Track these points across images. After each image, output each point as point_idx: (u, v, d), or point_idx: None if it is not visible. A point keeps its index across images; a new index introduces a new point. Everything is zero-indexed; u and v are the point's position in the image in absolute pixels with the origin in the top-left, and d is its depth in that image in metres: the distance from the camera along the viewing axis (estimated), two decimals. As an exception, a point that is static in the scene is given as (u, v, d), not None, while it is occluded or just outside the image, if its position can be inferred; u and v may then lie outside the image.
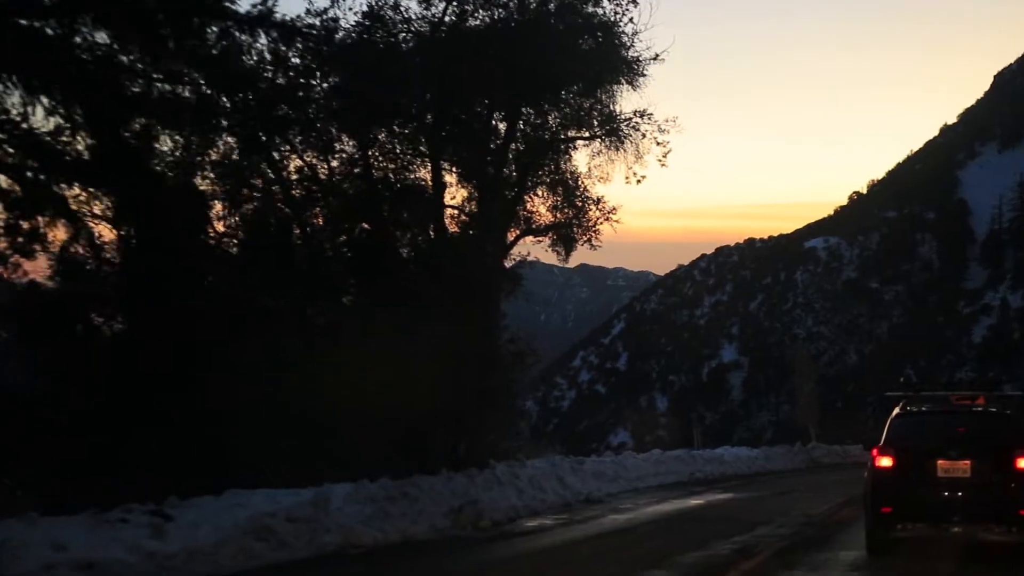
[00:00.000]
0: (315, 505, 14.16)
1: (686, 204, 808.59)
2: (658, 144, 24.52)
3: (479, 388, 21.30)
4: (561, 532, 16.82)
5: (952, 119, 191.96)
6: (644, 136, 24.41)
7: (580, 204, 25.24)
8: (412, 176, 22.89)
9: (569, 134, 24.86)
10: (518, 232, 25.27)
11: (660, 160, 24.57)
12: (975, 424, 14.57)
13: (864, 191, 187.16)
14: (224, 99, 17.31)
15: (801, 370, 69.56)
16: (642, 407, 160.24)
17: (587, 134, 24.77)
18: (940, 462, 13.71)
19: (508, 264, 25.88)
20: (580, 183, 25.14)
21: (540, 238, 25.70)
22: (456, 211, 24.41)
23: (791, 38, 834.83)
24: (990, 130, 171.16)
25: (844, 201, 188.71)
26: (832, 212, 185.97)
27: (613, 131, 24.28)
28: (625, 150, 24.49)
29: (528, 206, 25.30)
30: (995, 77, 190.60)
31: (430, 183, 22.91)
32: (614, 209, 25.60)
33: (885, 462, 14.02)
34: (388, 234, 21.01)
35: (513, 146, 24.20)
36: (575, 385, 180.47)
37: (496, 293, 23.86)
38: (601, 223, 25.51)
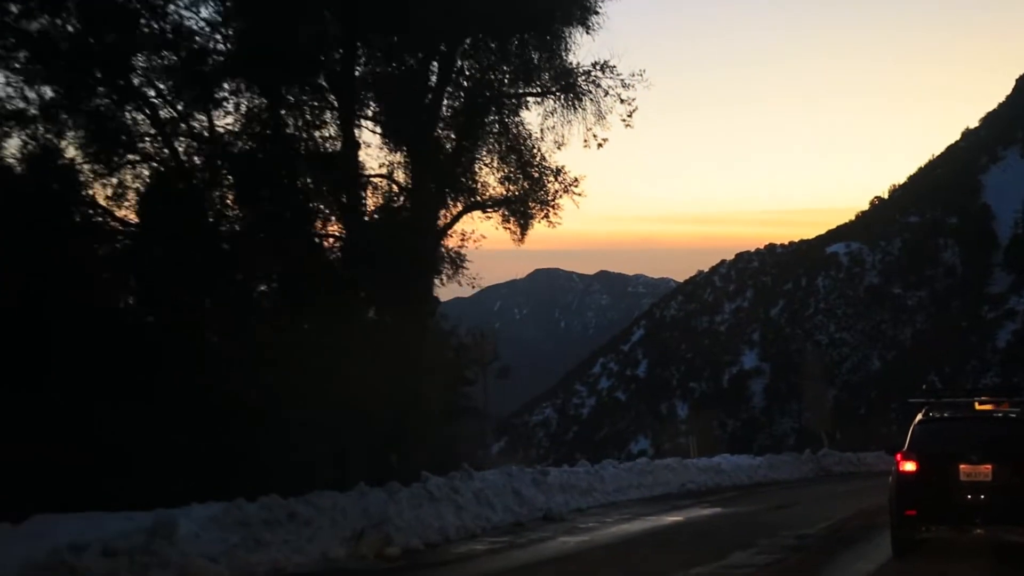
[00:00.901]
0: (153, 534, 10.97)
1: (707, 210, 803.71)
2: (622, 102, 20.94)
3: (415, 388, 18.04)
4: (487, 561, 13.65)
5: (974, 123, 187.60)
6: (606, 93, 20.82)
7: (537, 175, 21.56)
8: (323, 136, 19.33)
9: (517, 89, 21.17)
10: (461, 206, 21.64)
11: (624, 120, 21.10)
12: (997, 429, 14.66)
13: (886, 196, 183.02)
14: (93, 40, 14.18)
15: (811, 373, 65.82)
16: (662, 414, 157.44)
17: (539, 89, 21.03)
18: (962, 466, 13.78)
19: (450, 244, 22.47)
20: (536, 150, 21.53)
21: (489, 213, 21.95)
22: (384, 181, 20.89)
23: (810, 43, 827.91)
24: (1012, 134, 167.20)
25: (866, 206, 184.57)
26: (854, 217, 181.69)
27: (569, 86, 20.60)
28: (584, 108, 20.86)
29: (476, 177, 21.70)
30: (1017, 81, 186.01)
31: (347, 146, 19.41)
32: (576, 180, 22.00)
33: (908, 467, 14.17)
34: (302, 207, 17.46)
35: (447, 103, 20.69)
36: (595, 392, 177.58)
37: (432, 278, 20.48)
38: (561, 196, 21.92)
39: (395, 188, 20.96)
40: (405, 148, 20.22)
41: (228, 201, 17.26)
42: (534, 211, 21.87)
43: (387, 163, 20.88)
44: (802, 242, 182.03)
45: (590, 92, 20.79)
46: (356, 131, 19.65)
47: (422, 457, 19.78)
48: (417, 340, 18.95)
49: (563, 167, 21.91)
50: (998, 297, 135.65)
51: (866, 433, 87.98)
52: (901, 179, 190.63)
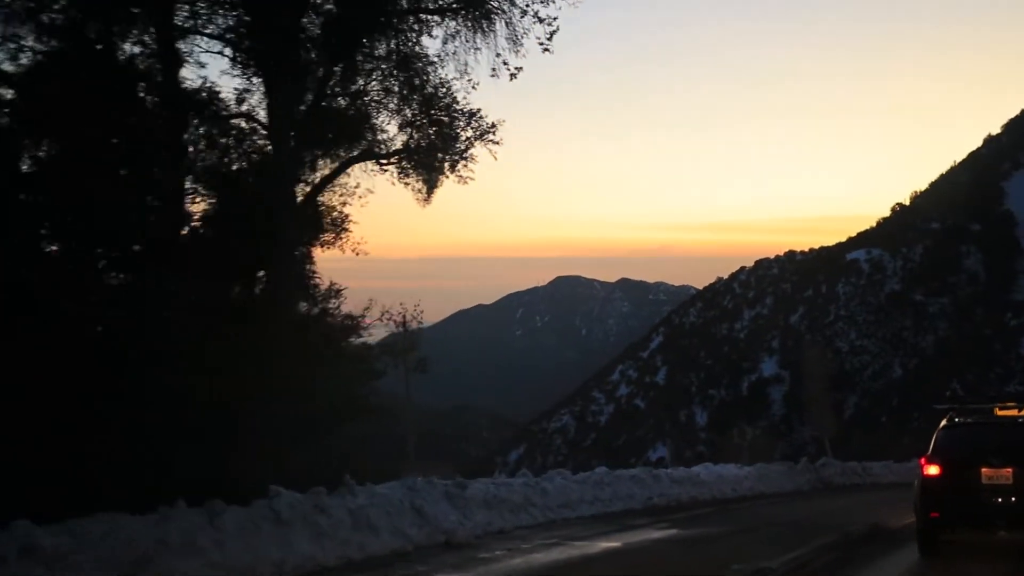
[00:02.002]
0: None
1: (729, 218, 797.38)
2: (540, 21, 17.00)
3: (262, 380, 14.27)
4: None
5: (996, 129, 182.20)
6: (523, 12, 16.88)
7: (446, 119, 17.70)
8: (131, 47, 15.08)
9: (414, 5, 17.04)
10: (346, 156, 17.85)
11: (543, 43, 17.11)
12: (1018, 434, 14.59)
13: (908, 203, 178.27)
14: None
15: (811, 371, 61.14)
16: (681, 422, 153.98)
17: (437, 4, 17.02)
18: (984, 470, 13.96)
19: (330, 201, 18.84)
20: (444, 89, 17.55)
21: (384, 166, 18.09)
22: (238, 118, 16.86)
23: (833, 51, 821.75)
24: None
25: (887, 213, 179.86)
26: (875, 224, 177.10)
27: (477, 2, 16.60)
28: (494, 31, 16.79)
29: (369, 120, 17.85)
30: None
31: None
32: (493, 126, 18.00)
33: (932, 470, 14.40)
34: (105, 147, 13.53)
35: (317, 19, 16.41)
36: (613, 399, 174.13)
37: (295, 243, 16.61)
38: (474, 146, 17.99)
39: (251, 127, 17.00)
40: (260, 74, 16.12)
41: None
42: (442, 163, 17.98)
43: (239, 91, 16.89)
44: (822, 249, 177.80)
45: (502, 11, 16.80)
46: (182, 45, 15.69)
47: (296, 466, 16.17)
48: (272, 319, 15.13)
49: (478, 110, 18.04)
50: (1021, 304, 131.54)
51: (874, 441, 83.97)
52: (923, 186, 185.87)
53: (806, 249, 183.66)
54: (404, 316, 25.25)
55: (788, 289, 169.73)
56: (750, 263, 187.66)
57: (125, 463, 12.01)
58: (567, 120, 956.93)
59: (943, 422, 15.09)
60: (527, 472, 22.26)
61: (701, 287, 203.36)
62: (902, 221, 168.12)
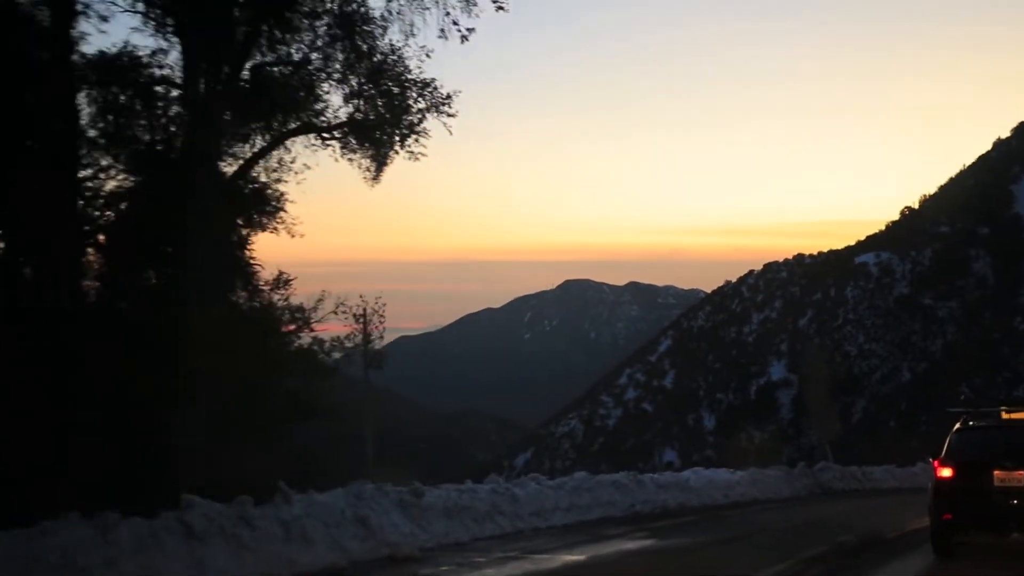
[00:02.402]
0: None
1: (738, 221, 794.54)
2: None
3: (181, 378, 12.86)
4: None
5: (1006, 132, 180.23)
6: None
7: (396, 89, 16.17)
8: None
9: None
10: (282, 129, 16.26)
11: (497, 1, 15.65)
12: None
13: (916, 206, 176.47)
14: None
15: (812, 373, 59.47)
16: (689, 425, 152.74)
17: None
18: (996, 472, 13.93)
19: (264, 178, 17.20)
20: (394, 55, 15.99)
21: (327, 140, 16.57)
22: (151, 83, 15.17)
23: (841, 54, 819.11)
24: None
25: (896, 217, 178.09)
26: (884, 228, 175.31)
27: None
28: None
29: (311, 89, 16.24)
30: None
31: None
32: (449, 97, 16.56)
33: (945, 473, 14.43)
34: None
35: None
36: (621, 403, 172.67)
37: (224, 223, 15.11)
38: (426, 119, 16.50)
39: (166, 92, 15.34)
40: (178, 33, 14.39)
41: None
42: (391, 138, 16.41)
43: (152, 52, 15.16)
44: (831, 252, 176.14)
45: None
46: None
47: (232, 473, 14.61)
48: (194, 308, 13.63)
49: (432, 80, 16.59)
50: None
51: (879, 445, 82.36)
52: (932, 189, 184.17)
53: (815, 252, 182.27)
54: (365, 310, 23.42)
55: (797, 292, 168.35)
56: (759, 267, 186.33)
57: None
58: (576, 122, 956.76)
59: (957, 425, 15.15)
60: (538, 477, 20.95)
61: (710, 291, 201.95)
62: (911, 225, 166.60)
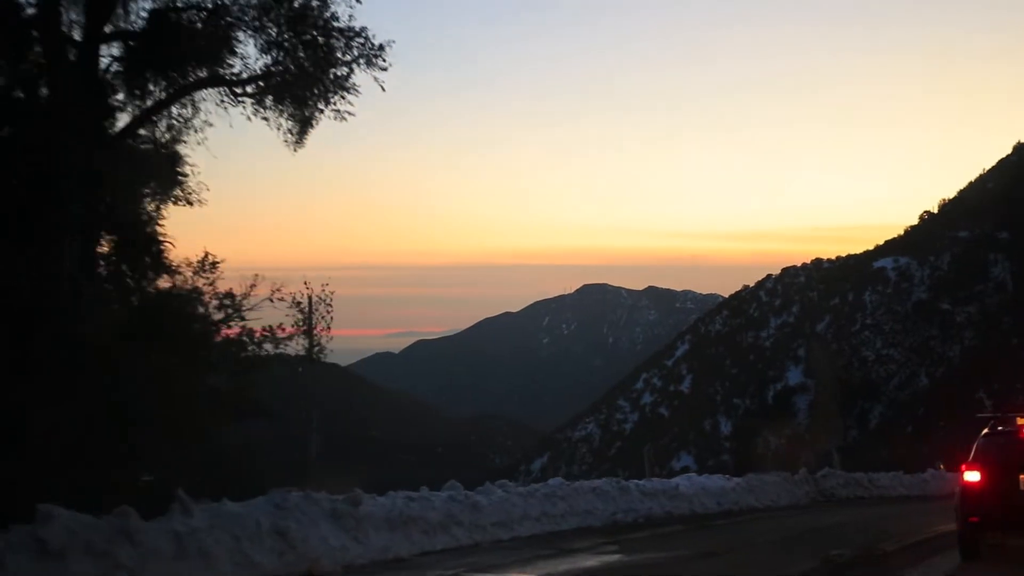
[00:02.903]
0: None
1: (756, 226, 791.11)
2: None
3: (58, 370, 11.97)
4: None
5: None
6: None
7: (321, 39, 14.56)
8: None
9: None
10: (184, 81, 14.43)
11: None
12: None
13: (935, 210, 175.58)
14: None
15: (820, 369, 58.68)
16: (706, 430, 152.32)
17: None
18: (1023, 476, 14.24)
19: (160, 138, 15.28)
20: (318, 2, 14.47)
21: (240, 96, 14.84)
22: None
23: (858, 58, 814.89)
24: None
25: (915, 221, 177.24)
26: (903, 232, 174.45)
27: None
28: None
29: (220, 39, 14.25)
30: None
31: None
32: (382, 48, 15.03)
33: (972, 476, 14.76)
34: None
35: None
36: (638, 408, 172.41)
37: (114, 190, 13.66)
38: (355, 73, 14.96)
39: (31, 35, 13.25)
40: None
41: None
42: (316, 95, 14.83)
43: None
44: (849, 257, 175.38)
45: None
46: None
47: (123, 479, 13.43)
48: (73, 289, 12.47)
49: (363, 28, 14.92)
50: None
51: (895, 450, 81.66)
52: (951, 193, 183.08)
53: (833, 257, 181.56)
54: (310, 297, 19.75)
55: (814, 297, 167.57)
56: (778, 271, 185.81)
57: None
58: (595, 126, 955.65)
59: (985, 430, 15.47)
60: (506, 483, 19.41)
61: (728, 295, 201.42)
62: (930, 229, 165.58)
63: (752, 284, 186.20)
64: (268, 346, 16.35)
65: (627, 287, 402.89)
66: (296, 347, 18.70)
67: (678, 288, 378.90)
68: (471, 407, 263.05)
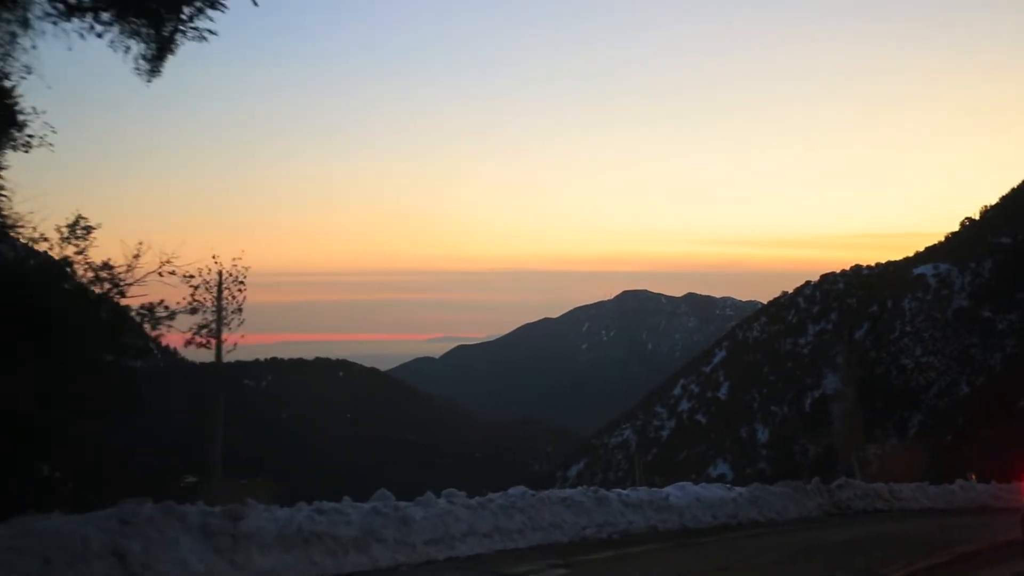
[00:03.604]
0: None
1: (797, 233, 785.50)
2: None
3: None
4: None
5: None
6: None
7: None
8: None
9: None
10: None
11: None
12: None
13: (977, 217, 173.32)
14: None
15: (845, 375, 57.22)
16: (743, 438, 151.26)
17: None
18: None
19: None
20: None
21: (75, 10, 11.03)
22: None
23: (900, 63, 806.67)
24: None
25: (956, 228, 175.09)
26: (943, 239, 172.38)
27: None
28: None
29: None
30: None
31: None
32: None
33: None
34: None
35: None
36: (675, 414, 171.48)
37: None
38: None
39: None
40: None
41: None
42: (172, 10, 11.57)
43: None
44: (889, 263, 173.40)
45: None
46: None
47: None
48: None
49: None
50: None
51: (934, 460, 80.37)
52: (993, 199, 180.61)
53: (873, 263, 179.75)
54: (220, 273, 15.71)
55: (853, 304, 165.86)
56: (817, 278, 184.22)
57: None
58: (637, 134, 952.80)
59: None
60: (454, 493, 17.10)
61: (767, 302, 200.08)
62: (971, 235, 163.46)
63: (791, 291, 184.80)
64: (148, 324, 14.10)
65: (667, 294, 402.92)
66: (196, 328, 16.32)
67: (718, 295, 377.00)
68: (510, 412, 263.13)
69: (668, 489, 22.33)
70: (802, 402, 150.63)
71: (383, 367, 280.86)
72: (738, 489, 24.50)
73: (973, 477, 37.40)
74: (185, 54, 12.26)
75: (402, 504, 15.43)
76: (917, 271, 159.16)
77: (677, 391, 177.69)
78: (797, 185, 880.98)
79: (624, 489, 21.38)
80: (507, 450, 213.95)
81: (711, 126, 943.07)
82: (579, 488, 19.84)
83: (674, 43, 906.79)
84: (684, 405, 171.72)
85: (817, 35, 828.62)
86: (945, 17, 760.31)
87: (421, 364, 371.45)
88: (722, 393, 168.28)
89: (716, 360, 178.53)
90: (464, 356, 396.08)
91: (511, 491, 17.99)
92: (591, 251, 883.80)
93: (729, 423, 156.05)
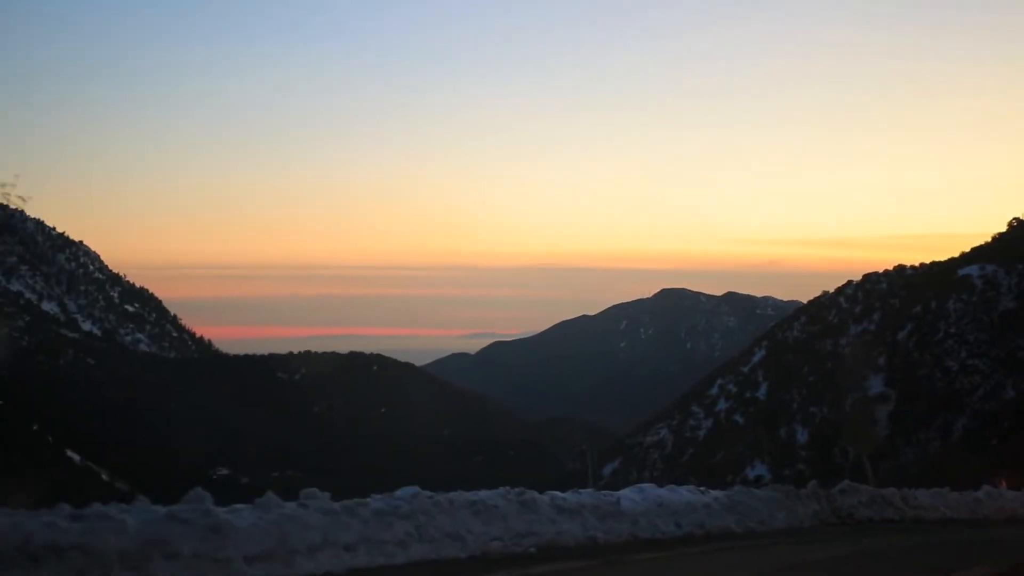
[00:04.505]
0: None
1: (840, 233, 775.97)
2: None
3: None
4: None
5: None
6: None
7: None
8: None
9: None
10: None
11: None
12: None
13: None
14: None
15: (855, 366, 53.49)
16: (781, 439, 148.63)
17: None
18: None
19: None
20: None
21: None
22: None
23: (941, 60, 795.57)
24: None
25: (1003, 228, 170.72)
26: (990, 239, 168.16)
27: None
28: None
29: None
30: None
31: None
32: None
33: None
34: None
35: None
36: (712, 414, 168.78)
37: None
38: None
39: None
40: None
41: None
42: None
43: None
44: (933, 264, 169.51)
45: None
46: None
47: None
48: None
49: None
50: None
51: (984, 463, 77.42)
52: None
53: (917, 264, 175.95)
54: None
55: (896, 304, 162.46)
56: (859, 278, 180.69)
57: None
58: (674, 130, 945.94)
59: None
60: (314, 492, 13.99)
61: (807, 302, 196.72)
62: (1018, 236, 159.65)
63: (832, 290, 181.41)
64: None
65: (706, 292, 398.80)
66: None
67: (758, 294, 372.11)
68: (546, 410, 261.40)
69: (624, 491, 19.30)
70: (843, 404, 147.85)
71: (418, 362, 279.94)
72: (715, 493, 21.23)
73: (1003, 483, 34.23)
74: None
75: (219, 509, 12.14)
76: (962, 272, 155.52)
77: (714, 390, 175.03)
78: (842, 185, 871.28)
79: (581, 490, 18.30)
80: (542, 447, 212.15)
81: (753, 126, 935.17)
82: (500, 489, 16.48)
83: (718, 45, 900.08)
84: (722, 405, 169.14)
85: (858, 30, 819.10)
86: (986, 12, 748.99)
87: (457, 360, 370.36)
88: (761, 393, 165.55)
89: (755, 359, 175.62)
90: (500, 352, 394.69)
91: (399, 492, 15.01)
92: (630, 248, 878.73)
93: (767, 423, 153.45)
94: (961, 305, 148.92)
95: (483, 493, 16.05)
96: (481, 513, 15.35)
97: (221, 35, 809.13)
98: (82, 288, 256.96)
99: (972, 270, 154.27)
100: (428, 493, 15.28)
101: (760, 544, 18.57)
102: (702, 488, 21.12)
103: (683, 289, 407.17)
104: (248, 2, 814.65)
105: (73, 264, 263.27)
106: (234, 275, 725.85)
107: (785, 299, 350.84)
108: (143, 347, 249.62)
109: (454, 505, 15.15)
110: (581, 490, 18.34)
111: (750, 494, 21.84)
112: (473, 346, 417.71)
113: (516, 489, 16.66)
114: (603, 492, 18.57)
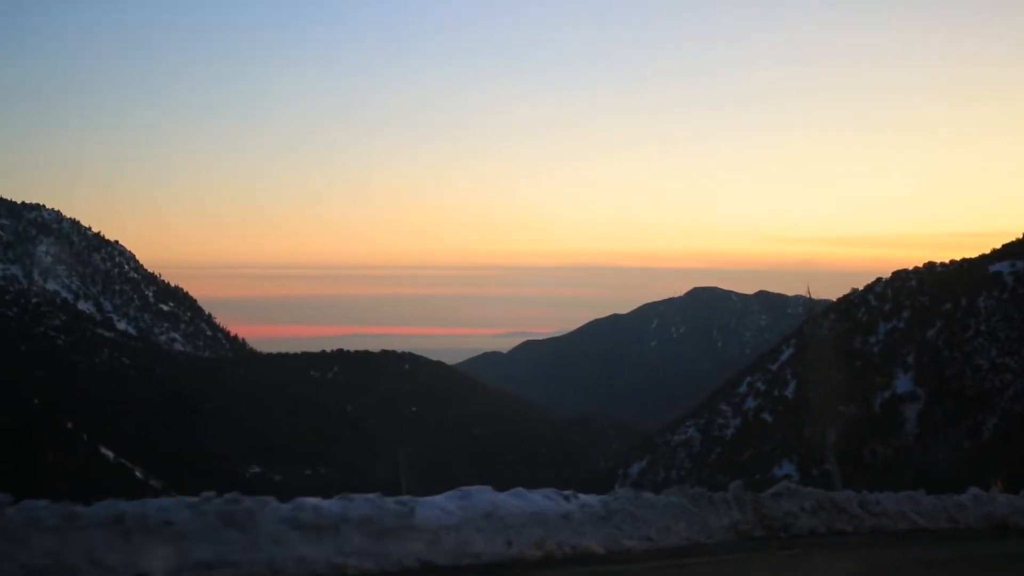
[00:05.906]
0: None
1: (869, 232, 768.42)
2: None
3: None
4: None
5: None
6: None
7: None
8: None
9: None
10: None
11: None
12: None
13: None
14: None
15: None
16: (809, 438, 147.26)
17: None
18: None
19: None
20: None
21: None
22: None
23: (970, 57, 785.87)
24: None
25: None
26: (1021, 235, 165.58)
27: None
28: None
29: None
30: None
31: None
32: None
33: None
34: None
35: None
36: (740, 412, 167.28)
37: None
38: None
39: None
40: None
41: None
42: None
43: None
44: (964, 261, 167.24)
45: None
46: None
47: None
48: None
49: None
50: None
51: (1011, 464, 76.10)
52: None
53: (947, 261, 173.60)
54: None
55: (926, 302, 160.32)
56: (888, 275, 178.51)
57: None
58: (706, 128, 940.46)
59: None
60: (220, 498, 11.62)
61: (836, 299, 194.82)
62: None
63: (861, 288, 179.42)
64: None
65: (738, 291, 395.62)
66: None
67: (790, 293, 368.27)
68: (577, 408, 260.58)
69: (435, 498, 14.06)
70: (871, 402, 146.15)
71: (450, 361, 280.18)
72: (585, 498, 16.06)
73: (999, 485, 31.15)
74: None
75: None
76: (993, 269, 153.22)
77: (743, 389, 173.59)
78: (872, 183, 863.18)
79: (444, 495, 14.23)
80: (572, 446, 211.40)
81: (785, 126, 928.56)
82: (201, 495, 11.68)
83: (753, 49, 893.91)
84: (750, 403, 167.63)
85: (889, 29, 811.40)
86: (1020, 11, 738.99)
87: (488, 359, 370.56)
88: (789, 391, 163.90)
89: (784, 358, 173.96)
90: (532, 351, 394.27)
91: (100, 506, 11.06)
92: (661, 247, 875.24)
93: (795, 422, 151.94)
94: (992, 302, 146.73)
95: (167, 500, 11.58)
96: (130, 535, 10.64)
97: (255, 37, 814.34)
98: (117, 288, 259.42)
99: (1003, 267, 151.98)
100: (34, 503, 11.06)
101: (618, 572, 13.57)
102: (567, 493, 15.77)
103: (714, 288, 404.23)
104: (290, 5, 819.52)
105: (108, 264, 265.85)
106: (268, 274, 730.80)
107: (817, 298, 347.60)
108: (177, 346, 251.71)
109: (92, 523, 10.64)
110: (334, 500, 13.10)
111: (639, 500, 16.74)
112: (505, 345, 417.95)
113: (228, 496, 11.86)
114: (399, 499, 13.61)
